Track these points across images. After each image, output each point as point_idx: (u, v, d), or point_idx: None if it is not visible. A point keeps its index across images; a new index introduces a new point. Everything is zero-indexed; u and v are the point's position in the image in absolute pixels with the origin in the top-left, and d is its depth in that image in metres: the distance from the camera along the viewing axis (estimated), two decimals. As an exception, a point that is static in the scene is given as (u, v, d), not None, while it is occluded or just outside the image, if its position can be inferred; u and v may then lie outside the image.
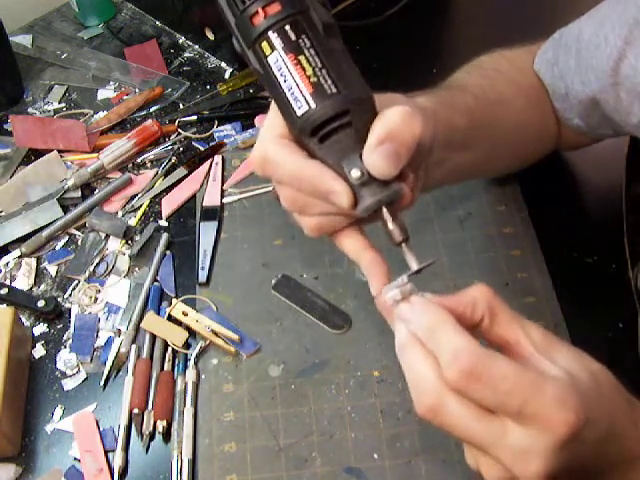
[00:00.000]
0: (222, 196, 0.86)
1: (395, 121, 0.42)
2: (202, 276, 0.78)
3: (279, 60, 0.42)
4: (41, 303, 0.75)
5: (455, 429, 0.39)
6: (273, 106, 0.45)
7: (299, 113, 0.42)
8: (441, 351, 0.39)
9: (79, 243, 0.83)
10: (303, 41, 0.41)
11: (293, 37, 0.41)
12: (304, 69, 0.41)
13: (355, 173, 0.42)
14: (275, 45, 0.42)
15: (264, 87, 0.44)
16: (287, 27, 0.41)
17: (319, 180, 0.43)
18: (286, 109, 0.43)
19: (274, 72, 0.42)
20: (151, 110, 0.97)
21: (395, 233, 0.44)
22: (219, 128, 0.94)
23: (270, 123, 0.45)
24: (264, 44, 0.42)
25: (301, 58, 0.41)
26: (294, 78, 0.42)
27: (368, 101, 0.43)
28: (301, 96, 0.42)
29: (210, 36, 1.01)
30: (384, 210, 0.43)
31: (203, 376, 0.71)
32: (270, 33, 0.42)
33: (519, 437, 0.38)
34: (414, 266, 0.43)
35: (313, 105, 0.41)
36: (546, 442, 0.37)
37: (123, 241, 0.82)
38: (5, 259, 0.81)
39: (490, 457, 0.40)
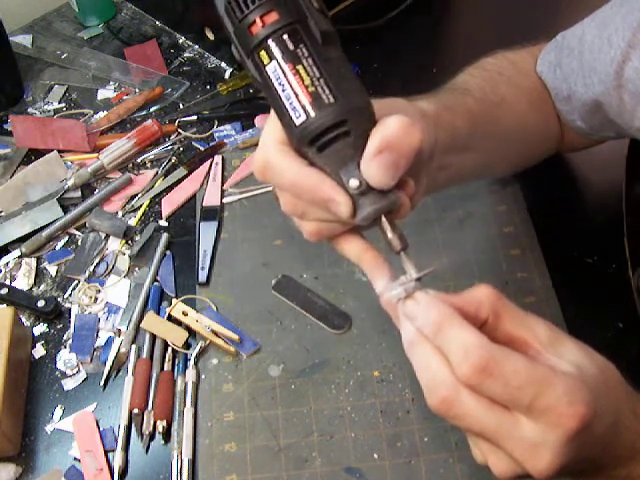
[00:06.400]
0: (222, 196, 0.86)
1: (393, 131, 0.42)
2: (202, 276, 0.78)
3: (277, 69, 0.42)
4: (41, 303, 0.75)
5: (468, 421, 0.40)
6: (274, 112, 0.45)
7: (297, 122, 0.42)
8: (451, 348, 0.39)
9: (79, 243, 0.83)
10: (301, 50, 0.41)
11: (291, 46, 0.41)
12: (302, 79, 0.41)
13: (353, 183, 0.42)
14: (273, 54, 0.42)
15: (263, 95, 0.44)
16: (285, 36, 0.41)
17: (319, 189, 0.43)
18: (284, 118, 0.43)
19: (272, 81, 0.42)
20: (151, 110, 0.97)
21: (394, 242, 0.44)
22: (219, 128, 0.94)
23: (271, 129, 0.45)
24: (262, 53, 0.42)
25: (299, 67, 0.41)
26: (292, 87, 0.42)
27: (366, 110, 0.43)
28: (299, 106, 0.41)
29: (210, 36, 1.01)
30: (383, 219, 0.44)
31: (203, 376, 0.71)
32: (268, 42, 0.42)
33: (530, 431, 0.38)
34: (413, 274, 0.44)
35: (311, 115, 0.41)
36: (557, 436, 0.38)
37: (123, 241, 0.82)
38: (5, 259, 0.81)
39: (500, 451, 0.40)
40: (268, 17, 0.42)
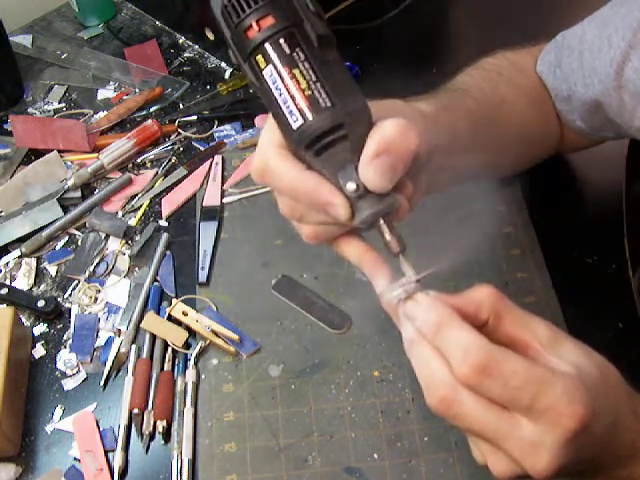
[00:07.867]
0: (222, 196, 0.86)
1: (391, 134, 0.42)
2: (202, 276, 0.78)
3: (274, 73, 0.42)
4: (41, 303, 0.75)
5: (468, 420, 0.40)
6: (271, 116, 0.45)
7: (294, 127, 0.42)
8: (450, 348, 0.40)
9: (79, 243, 0.83)
10: (297, 54, 0.41)
11: (287, 50, 0.41)
12: (299, 82, 0.41)
13: (351, 186, 0.42)
14: (270, 58, 0.42)
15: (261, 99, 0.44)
16: (281, 40, 0.41)
17: (317, 192, 0.43)
18: (282, 122, 0.43)
19: (269, 85, 0.42)
20: (151, 110, 0.97)
21: (392, 244, 0.44)
22: (219, 128, 0.94)
23: (269, 132, 0.45)
24: (259, 57, 0.42)
25: (295, 71, 0.41)
26: (289, 91, 0.41)
27: (363, 113, 0.43)
28: (296, 110, 0.41)
29: (210, 36, 1.01)
30: (381, 222, 0.44)
31: (203, 376, 0.71)
32: (265, 46, 0.42)
33: (530, 431, 0.38)
34: (411, 276, 0.44)
35: (308, 118, 0.41)
36: (556, 436, 0.38)
37: (123, 241, 0.82)
38: (5, 259, 0.81)
39: (499, 451, 0.40)
40: (264, 21, 0.42)
